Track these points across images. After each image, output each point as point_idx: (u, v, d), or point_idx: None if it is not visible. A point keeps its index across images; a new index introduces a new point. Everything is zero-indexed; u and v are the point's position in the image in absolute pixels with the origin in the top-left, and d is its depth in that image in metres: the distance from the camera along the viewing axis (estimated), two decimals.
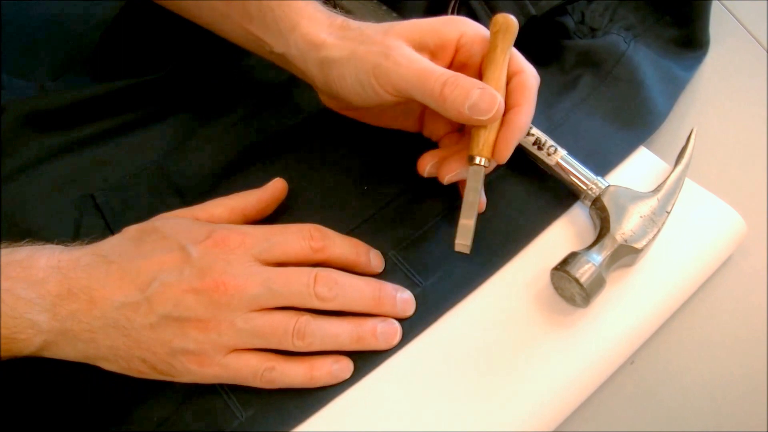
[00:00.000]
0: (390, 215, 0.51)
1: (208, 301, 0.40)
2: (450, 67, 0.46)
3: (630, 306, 0.48)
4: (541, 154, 0.51)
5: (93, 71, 0.61)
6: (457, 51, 0.46)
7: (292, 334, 0.42)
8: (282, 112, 0.56)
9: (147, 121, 0.55)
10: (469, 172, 0.45)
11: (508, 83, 0.45)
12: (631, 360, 0.48)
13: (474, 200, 0.44)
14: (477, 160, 0.44)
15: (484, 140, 0.44)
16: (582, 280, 0.45)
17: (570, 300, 0.48)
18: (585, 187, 0.50)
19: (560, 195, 0.52)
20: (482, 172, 0.44)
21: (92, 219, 0.50)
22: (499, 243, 0.50)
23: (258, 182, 0.50)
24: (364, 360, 0.45)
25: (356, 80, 0.44)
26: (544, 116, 0.55)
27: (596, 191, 0.49)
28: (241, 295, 0.41)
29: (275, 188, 0.50)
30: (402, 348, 0.46)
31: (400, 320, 0.47)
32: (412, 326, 0.47)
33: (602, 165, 0.53)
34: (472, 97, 0.41)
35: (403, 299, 0.47)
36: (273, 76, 0.58)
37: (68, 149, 0.53)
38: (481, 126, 0.44)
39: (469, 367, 0.46)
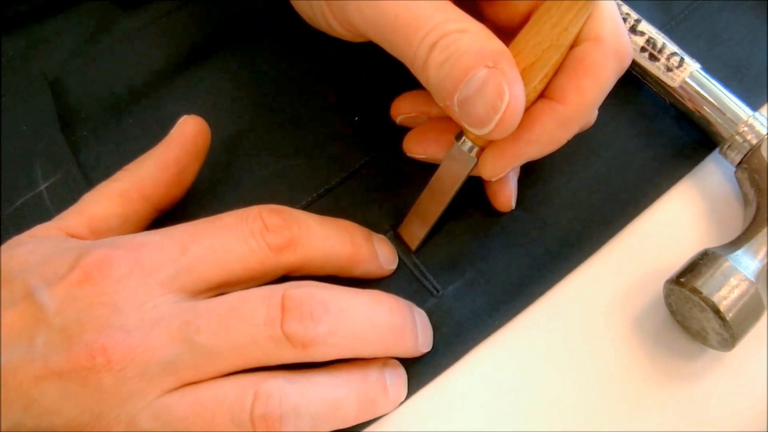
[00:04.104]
0: (390, 169, 0.38)
1: (82, 391, 0.28)
2: None
3: None
4: (656, 68, 0.38)
5: None
6: None
7: (251, 418, 0.28)
8: None
9: (45, 13, 0.45)
10: (447, 154, 0.33)
11: (567, 56, 0.31)
12: None
13: (443, 193, 0.34)
14: (465, 144, 0.32)
15: None
16: (724, 307, 0.30)
17: (698, 336, 0.33)
18: (730, 130, 0.36)
19: (684, 142, 0.39)
20: (468, 163, 0.32)
21: None
22: (574, 226, 0.36)
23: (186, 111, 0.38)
24: None
25: (306, 1, 0.34)
26: (658, 7, 0.44)
27: (751, 138, 0.36)
28: (142, 364, 0.28)
29: (184, 137, 0.35)
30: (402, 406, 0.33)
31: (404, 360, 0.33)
32: (418, 368, 0.33)
33: (760, 91, 0.40)
34: (469, 84, 0.28)
35: (422, 322, 0.33)
36: None
37: None
38: None
39: None
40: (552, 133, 0.30)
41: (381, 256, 0.34)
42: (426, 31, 0.28)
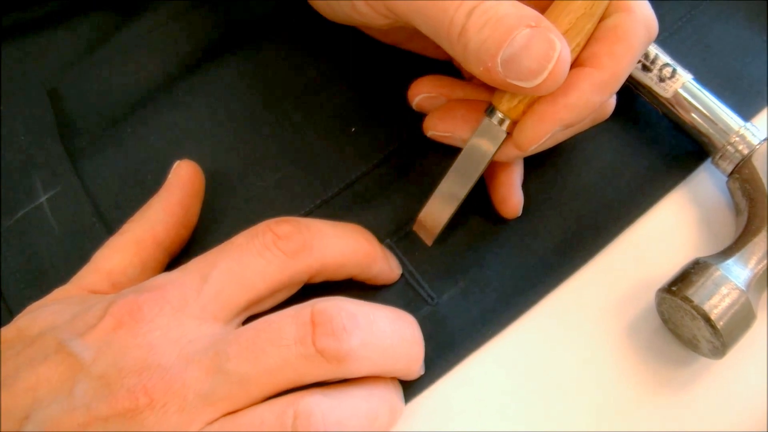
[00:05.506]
0: (386, 179, 0.38)
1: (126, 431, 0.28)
2: None
3: None
4: (649, 79, 0.38)
5: None
6: None
7: None
8: (236, 4, 0.44)
9: (43, 23, 0.44)
10: (477, 129, 0.32)
11: (597, 27, 0.31)
12: None
13: (469, 172, 0.33)
14: (495, 117, 0.32)
15: (522, 95, 0.31)
16: (715, 316, 0.30)
17: (690, 344, 0.33)
18: (722, 140, 0.36)
19: (676, 152, 0.39)
20: (499, 137, 0.32)
21: None
22: (567, 235, 0.36)
23: (181, 119, 0.39)
24: None
25: None
26: None
27: (743, 148, 0.36)
28: (181, 399, 0.28)
29: (183, 181, 0.36)
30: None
31: None
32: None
33: (752, 101, 0.40)
34: (513, 42, 0.28)
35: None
36: None
37: None
38: None
39: None
40: (588, 96, 0.30)
41: (391, 261, 0.35)
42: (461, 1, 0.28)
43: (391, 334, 0.30)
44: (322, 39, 0.40)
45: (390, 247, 0.35)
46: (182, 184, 0.35)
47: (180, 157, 0.38)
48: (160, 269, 0.34)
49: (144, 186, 0.37)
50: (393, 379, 0.31)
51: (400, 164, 0.38)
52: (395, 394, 0.31)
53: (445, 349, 0.33)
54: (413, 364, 0.31)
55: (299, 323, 0.28)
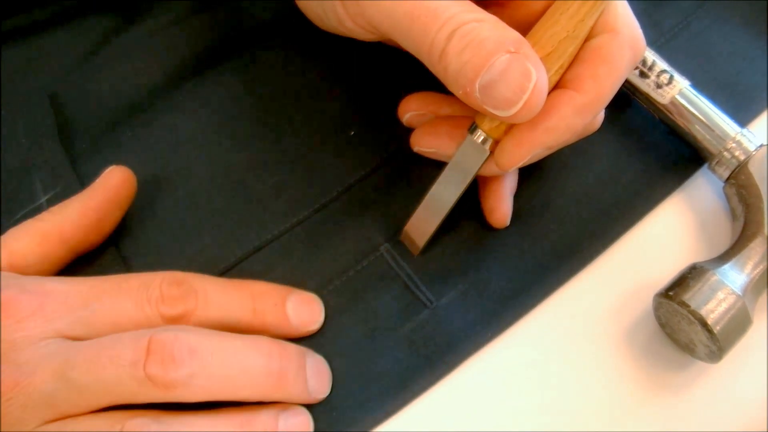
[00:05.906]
0: (385, 183, 0.38)
1: None
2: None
3: None
4: (646, 85, 0.38)
5: None
6: None
7: None
8: (237, 9, 0.44)
9: (44, 26, 0.44)
10: (460, 147, 0.32)
11: (582, 48, 0.31)
12: None
13: (453, 188, 0.33)
14: (478, 136, 0.31)
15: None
16: (711, 320, 0.30)
17: (687, 348, 0.33)
18: (718, 146, 0.36)
19: (673, 158, 0.39)
20: (481, 155, 0.32)
21: None
22: (565, 240, 0.36)
23: (182, 123, 0.39)
24: None
25: (317, 1, 0.34)
26: (648, 24, 0.43)
27: (739, 154, 0.36)
28: (25, 396, 0.29)
29: (107, 187, 0.36)
30: (395, 418, 0.33)
31: (390, 378, 0.33)
32: (411, 379, 0.33)
33: (748, 108, 0.40)
34: (491, 69, 0.27)
35: (316, 368, 0.33)
36: None
37: None
38: None
39: None
40: (569, 120, 0.30)
41: (294, 319, 0.34)
42: (444, 20, 0.28)
43: (233, 365, 0.30)
44: (321, 43, 0.40)
45: (388, 251, 0.35)
46: (106, 189, 0.35)
47: (179, 159, 0.38)
48: (62, 264, 0.35)
49: (142, 187, 0.37)
50: (274, 413, 0.31)
51: (399, 168, 0.37)
52: (260, 428, 0.31)
53: (444, 351, 0.33)
54: (271, 393, 0.31)
55: (137, 347, 0.29)
